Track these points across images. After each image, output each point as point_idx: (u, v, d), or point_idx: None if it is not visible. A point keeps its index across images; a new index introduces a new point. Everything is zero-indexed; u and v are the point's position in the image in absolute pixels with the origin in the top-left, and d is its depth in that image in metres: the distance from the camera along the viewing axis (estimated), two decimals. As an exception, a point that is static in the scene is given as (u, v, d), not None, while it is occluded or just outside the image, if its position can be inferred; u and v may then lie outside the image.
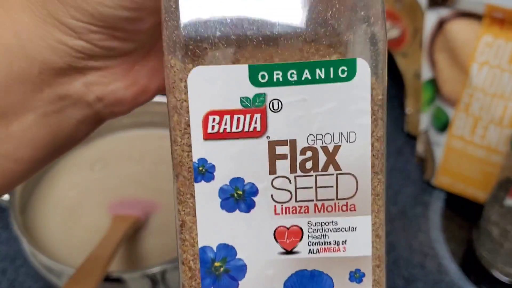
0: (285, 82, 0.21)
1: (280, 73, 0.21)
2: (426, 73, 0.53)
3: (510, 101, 0.47)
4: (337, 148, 0.22)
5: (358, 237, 0.23)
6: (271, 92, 0.21)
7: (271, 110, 0.21)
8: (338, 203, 0.22)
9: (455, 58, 0.49)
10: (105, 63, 0.26)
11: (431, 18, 0.51)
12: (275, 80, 0.21)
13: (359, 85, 0.21)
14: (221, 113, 0.21)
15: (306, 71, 0.21)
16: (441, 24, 0.50)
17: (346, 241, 0.23)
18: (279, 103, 0.21)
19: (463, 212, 0.53)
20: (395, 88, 0.66)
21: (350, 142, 0.22)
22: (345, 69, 0.21)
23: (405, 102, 0.61)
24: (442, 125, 0.52)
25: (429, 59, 0.53)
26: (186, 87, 0.21)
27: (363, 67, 0.21)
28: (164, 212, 0.48)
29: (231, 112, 0.21)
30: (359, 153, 0.22)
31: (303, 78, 0.21)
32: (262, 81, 0.21)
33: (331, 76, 0.21)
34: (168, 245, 0.46)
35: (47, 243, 0.46)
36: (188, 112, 0.21)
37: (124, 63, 0.26)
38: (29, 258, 0.44)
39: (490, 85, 0.47)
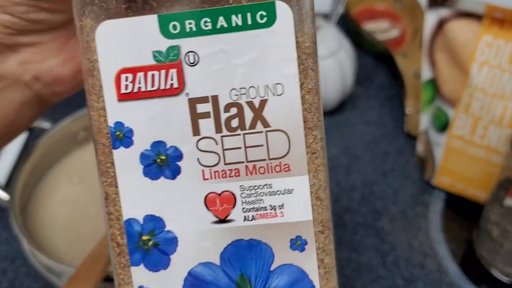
0: (200, 32, 0.19)
1: (193, 22, 0.19)
2: (426, 73, 0.52)
3: (510, 101, 0.46)
4: (263, 102, 0.20)
5: (295, 200, 0.21)
6: (186, 44, 0.19)
7: (188, 64, 0.19)
8: (271, 163, 0.20)
9: (455, 58, 0.49)
10: (37, 39, 0.24)
11: (431, 18, 0.50)
12: (188, 30, 0.19)
13: (281, 31, 0.19)
14: (133, 71, 0.19)
15: (221, 18, 0.19)
16: (441, 24, 0.49)
17: (283, 205, 0.21)
18: (195, 55, 0.19)
19: (463, 212, 0.52)
20: (395, 88, 0.66)
21: (277, 95, 0.20)
22: (264, 14, 0.19)
23: (405, 102, 0.61)
24: (442, 125, 0.51)
25: (429, 59, 0.52)
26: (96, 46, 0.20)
27: (284, 11, 0.19)
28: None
29: (144, 69, 0.19)
30: (289, 107, 0.20)
31: (218, 27, 0.19)
32: (174, 32, 0.19)
33: (249, 22, 0.19)
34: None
35: (47, 243, 0.46)
36: (100, 73, 0.20)
37: (57, 37, 0.25)
38: (29, 258, 0.44)
39: (490, 85, 0.47)
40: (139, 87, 0.20)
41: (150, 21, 0.19)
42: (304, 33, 0.20)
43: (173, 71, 0.19)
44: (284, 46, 0.19)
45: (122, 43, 0.19)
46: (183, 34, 0.19)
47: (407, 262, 0.48)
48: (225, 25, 0.19)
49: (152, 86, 0.20)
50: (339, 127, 0.62)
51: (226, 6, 0.19)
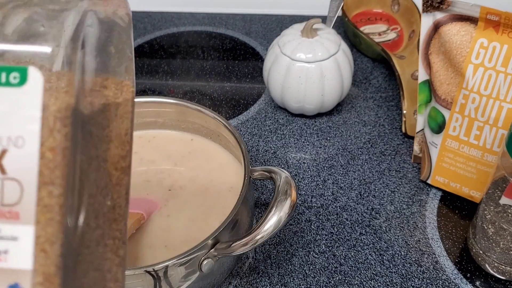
0: None
1: None
2: (422, 75, 0.51)
3: (504, 102, 0.47)
4: (4, 152, 0.21)
5: (19, 248, 0.21)
6: None
7: None
8: (3, 209, 0.21)
9: (451, 60, 0.47)
10: None
11: (427, 21, 0.48)
12: None
13: (30, 92, 0.21)
14: None
15: None
16: (436, 27, 0.48)
17: (7, 250, 0.21)
18: None
19: (459, 211, 0.52)
20: (392, 89, 0.66)
21: (17, 147, 0.21)
22: (17, 75, 0.21)
23: (401, 103, 0.61)
24: (438, 125, 0.50)
25: (425, 61, 0.52)
26: None
27: (35, 76, 0.21)
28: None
29: None
30: (26, 159, 0.21)
31: None
32: None
33: (3, 80, 0.21)
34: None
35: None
36: None
37: None
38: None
39: (485, 86, 0.46)
40: None
41: None
42: (58, 99, 0.21)
43: None
44: (30, 105, 0.21)
45: None
46: None
47: (404, 260, 0.48)
48: None
49: None
50: (337, 127, 0.62)
51: None
